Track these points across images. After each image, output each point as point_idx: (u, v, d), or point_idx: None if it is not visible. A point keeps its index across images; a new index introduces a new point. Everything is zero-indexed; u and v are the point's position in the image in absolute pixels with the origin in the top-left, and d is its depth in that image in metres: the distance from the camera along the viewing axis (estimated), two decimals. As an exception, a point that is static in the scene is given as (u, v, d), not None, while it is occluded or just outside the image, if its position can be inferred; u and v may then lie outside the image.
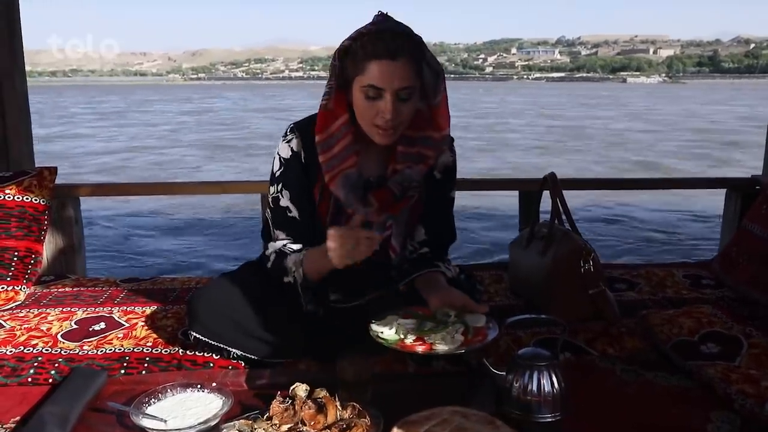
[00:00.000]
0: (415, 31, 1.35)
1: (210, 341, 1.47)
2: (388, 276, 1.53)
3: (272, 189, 1.51)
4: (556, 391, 1.18)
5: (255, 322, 1.47)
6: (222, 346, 1.47)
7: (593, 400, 1.29)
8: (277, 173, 1.50)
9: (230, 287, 1.52)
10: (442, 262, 1.54)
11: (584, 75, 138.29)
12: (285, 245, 1.50)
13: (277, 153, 1.50)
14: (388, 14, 1.35)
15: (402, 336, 1.31)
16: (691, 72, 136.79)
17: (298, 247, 1.49)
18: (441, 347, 1.27)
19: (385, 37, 1.28)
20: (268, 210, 1.54)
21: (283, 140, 1.48)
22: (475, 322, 1.35)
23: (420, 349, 1.28)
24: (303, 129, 1.47)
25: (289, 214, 1.49)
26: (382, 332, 1.32)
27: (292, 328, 1.48)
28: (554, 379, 1.18)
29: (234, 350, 1.47)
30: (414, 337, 1.30)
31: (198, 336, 1.47)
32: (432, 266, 1.50)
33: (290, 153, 1.47)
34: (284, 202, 1.49)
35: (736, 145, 14.31)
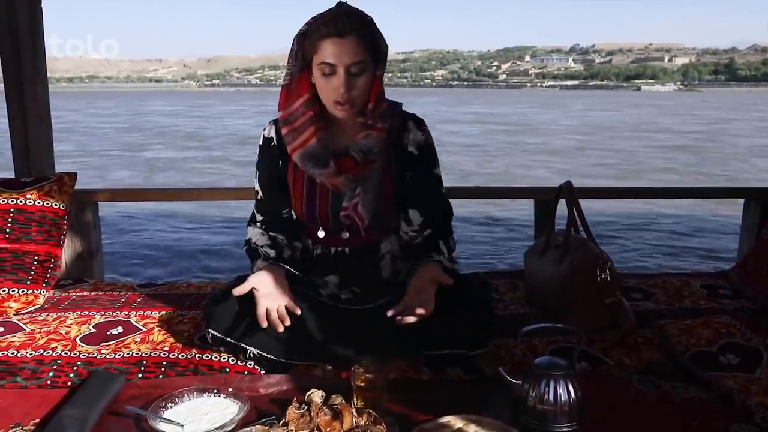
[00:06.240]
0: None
1: (227, 338, 1.48)
2: (377, 265, 1.59)
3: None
4: (573, 400, 1.17)
5: None
6: (238, 343, 1.48)
7: (610, 411, 1.28)
8: (257, 159, 1.64)
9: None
10: (445, 240, 1.57)
11: (598, 83, 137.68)
12: (256, 239, 1.60)
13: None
14: (346, 2, 1.45)
15: None
16: (707, 80, 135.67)
17: (266, 242, 1.58)
18: None
19: (335, 18, 1.40)
20: None
21: (263, 130, 1.62)
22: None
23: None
24: (278, 120, 1.59)
25: (257, 196, 1.64)
26: None
27: (308, 328, 1.50)
28: (571, 388, 1.18)
29: (251, 348, 1.48)
30: None
31: (215, 333, 1.49)
32: (426, 257, 1.52)
33: (263, 140, 1.61)
34: (257, 185, 1.64)
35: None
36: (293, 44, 1.47)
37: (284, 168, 1.58)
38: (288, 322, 1.43)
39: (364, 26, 1.42)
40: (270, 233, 1.60)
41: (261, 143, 1.61)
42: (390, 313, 1.38)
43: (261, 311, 1.42)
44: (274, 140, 1.58)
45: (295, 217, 1.62)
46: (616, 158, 13.91)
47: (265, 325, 1.42)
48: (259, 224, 1.63)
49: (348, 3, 1.45)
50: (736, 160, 13.41)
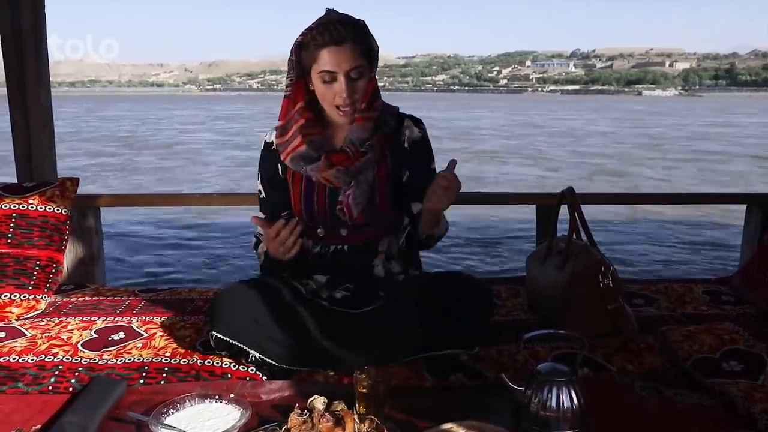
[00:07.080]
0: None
1: (230, 340, 1.48)
2: (370, 263, 1.59)
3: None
4: (575, 407, 1.17)
5: (275, 324, 1.50)
6: (241, 345, 1.48)
7: (613, 417, 1.27)
8: (259, 162, 1.70)
9: (254, 289, 1.56)
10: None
11: (599, 88, 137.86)
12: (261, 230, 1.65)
13: None
14: (334, 9, 1.50)
15: None
16: (708, 85, 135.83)
17: None
18: None
19: (330, 27, 1.44)
20: None
21: (265, 135, 1.68)
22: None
23: None
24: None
25: (260, 195, 1.70)
26: None
27: (310, 334, 1.51)
28: (573, 394, 1.17)
29: (253, 352, 1.48)
30: None
31: (219, 335, 1.49)
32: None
33: (264, 144, 1.67)
34: (259, 185, 1.70)
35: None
36: (291, 55, 1.51)
37: (284, 170, 1.63)
38: (297, 246, 1.48)
39: (358, 32, 1.47)
40: None
41: (262, 147, 1.67)
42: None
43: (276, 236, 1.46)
44: (274, 145, 1.62)
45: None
46: (536, 166, 13.97)
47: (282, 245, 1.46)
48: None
49: (336, 10, 1.50)
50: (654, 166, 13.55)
